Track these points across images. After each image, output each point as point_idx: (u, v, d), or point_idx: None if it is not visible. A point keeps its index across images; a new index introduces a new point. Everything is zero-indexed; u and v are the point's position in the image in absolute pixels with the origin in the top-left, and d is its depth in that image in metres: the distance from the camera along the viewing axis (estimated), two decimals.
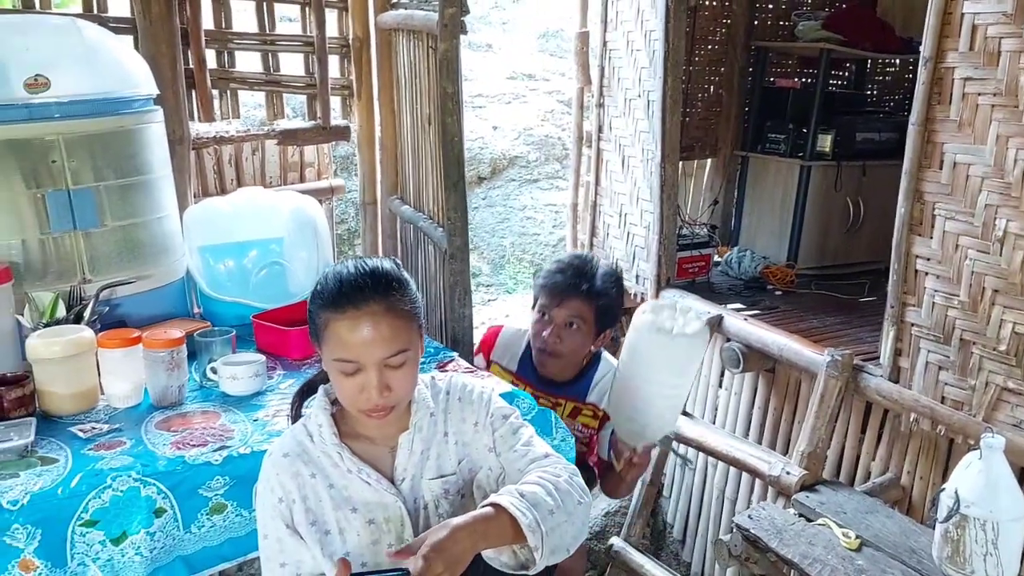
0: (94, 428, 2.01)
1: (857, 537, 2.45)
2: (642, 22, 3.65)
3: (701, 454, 3.53)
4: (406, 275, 1.59)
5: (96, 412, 2.11)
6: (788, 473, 2.79)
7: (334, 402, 1.64)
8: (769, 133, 4.24)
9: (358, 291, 1.50)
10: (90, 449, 1.91)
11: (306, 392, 1.81)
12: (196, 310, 2.80)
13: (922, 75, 2.55)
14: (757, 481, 3.26)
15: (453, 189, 2.77)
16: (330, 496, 1.58)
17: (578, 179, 4.31)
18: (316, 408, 1.64)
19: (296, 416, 1.79)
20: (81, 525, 1.75)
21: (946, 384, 2.63)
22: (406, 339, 1.53)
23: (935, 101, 2.54)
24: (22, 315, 2.22)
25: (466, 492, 1.66)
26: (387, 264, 1.57)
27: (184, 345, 2.17)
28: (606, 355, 2.72)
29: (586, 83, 4.15)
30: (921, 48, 2.55)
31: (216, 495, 1.89)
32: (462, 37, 2.71)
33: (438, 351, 2.59)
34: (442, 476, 1.63)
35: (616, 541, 3.24)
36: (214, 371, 2.24)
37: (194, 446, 1.92)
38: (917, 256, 2.67)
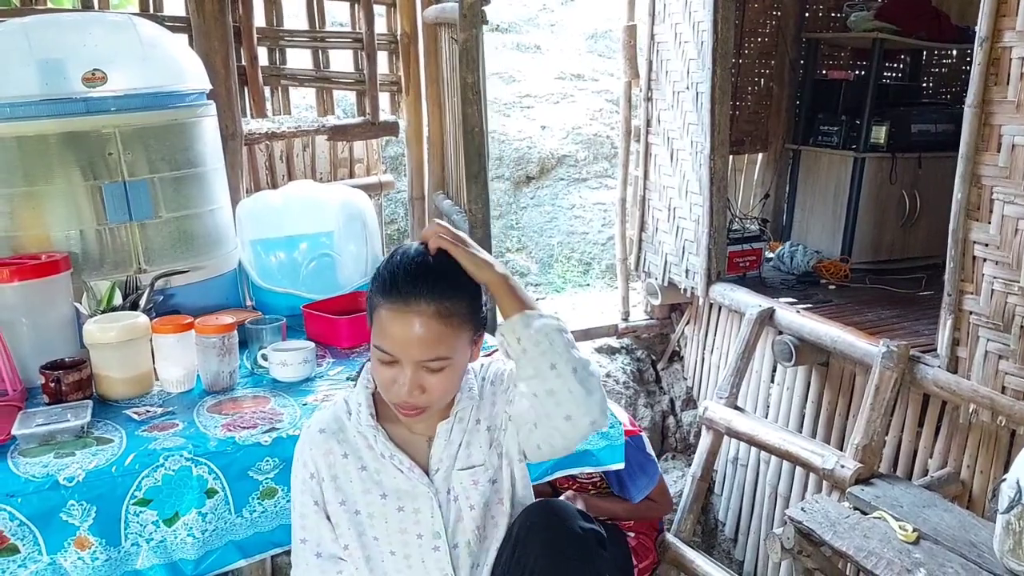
0: (148, 411, 2.05)
1: (914, 530, 2.39)
2: (690, 13, 3.63)
3: (753, 450, 3.48)
4: (470, 281, 1.51)
5: (150, 396, 2.15)
6: (842, 466, 2.74)
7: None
8: (821, 126, 4.19)
9: (410, 285, 1.44)
10: (144, 431, 1.94)
11: None
12: (248, 302, 2.84)
13: (978, 56, 2.49)
14: (811, 477, 3.20)
15: (474, 180, 2.76)
16: (360, 478, 1.57)
17: (626, 174, 4.28)
18: (359, 385, 1.63)
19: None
20: (135, 504, 1.78)
21: (1006, 373, 2.56)
22: (449, 347, 1.47)
23: (992, 82, 2.48)
24: (80, 303, 2.27)
25: (496, 477, 1.63)
26: (449, 266, 1.48)
27: (235, 331, 2.20)
28: None
29: (634, 77, 4.13)
30: (977, 28, 2.49)
31: (266, 479, 1.91)
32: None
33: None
34: (471, 467, 1.60)
35: (667, 536, 3.20)
36: (265, 358, 2.26)
37: (244, 428, 1.95)
38: (975, 242, 2.60)
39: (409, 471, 1.57)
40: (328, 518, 1.58)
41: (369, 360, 1.69)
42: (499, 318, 1.54)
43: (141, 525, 1.79)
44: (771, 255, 4.22)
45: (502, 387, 1.63)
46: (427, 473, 1.58)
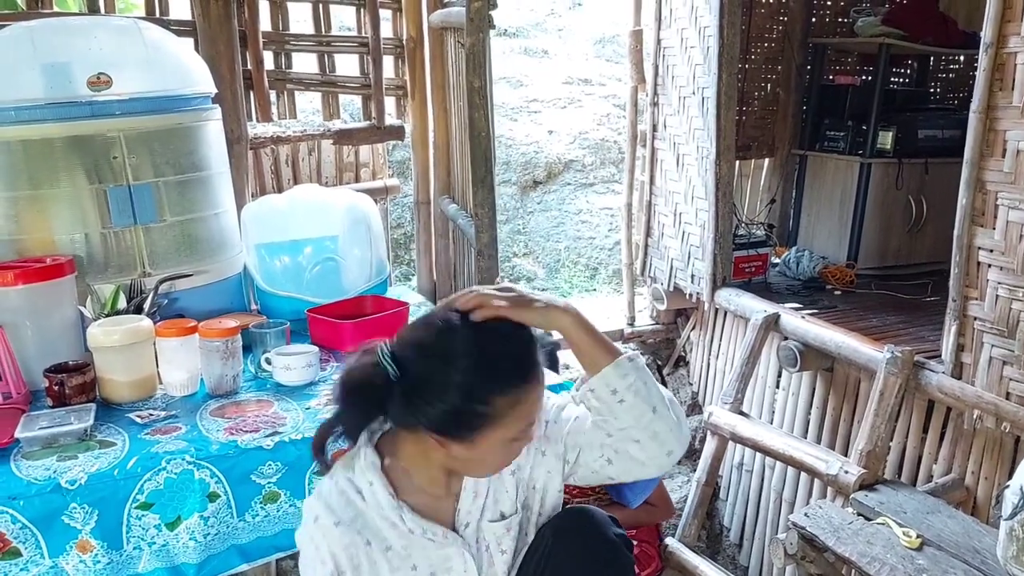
0: (151, 415, 2.05)
1: (918, 536, 2.38)
2: (696, 18, 3.63)
3: (758, 455, 3.47)
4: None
5: (154, 400, 2.16)
6: (846, 472, 2.73)
7: (380, 454, 1.51)
8: (828, 131, 4.18)
9: (529, 354, 1.41)
10: (147, 434, 1.95)
11: (325, 435, 1.54)
12: (253, 306, 2.85)
13: (983, 61, 2.48)
14: (816, 483, 3.19)
15: (481, 185, 2.77)
16: (387, 559, 1.48)
17: (632, 179, 4.29)
18: (364, 465, 1.50)
19: (325, 463, 1.56)
20: (137, 507, 1.78)
21: (1011, 379, 2.55)
22: None
23: (997, 88, 2.47)
24: (84, 306, 2.28)
25: (524, 514, 1.58)
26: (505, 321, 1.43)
27: (239, 335, 2.20)
28: None
29: (640, 82, 4.13)
30: (982, 34, 2.48)
31: (269, 483, 1.91)
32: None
33: None
34: (503, 518, 1.55)
35: (671, 541, 3.20)
36: (268, 361, 2.26)
37: (247, 432, 1.95)
38: (979, 248, 2.60)
39: (442, 538, 1.50)
40: None
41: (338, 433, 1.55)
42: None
43: (143, 529, 1.80)
44: (777, 260, 4.21)
45: None
46: (455, 529, 1.53)
